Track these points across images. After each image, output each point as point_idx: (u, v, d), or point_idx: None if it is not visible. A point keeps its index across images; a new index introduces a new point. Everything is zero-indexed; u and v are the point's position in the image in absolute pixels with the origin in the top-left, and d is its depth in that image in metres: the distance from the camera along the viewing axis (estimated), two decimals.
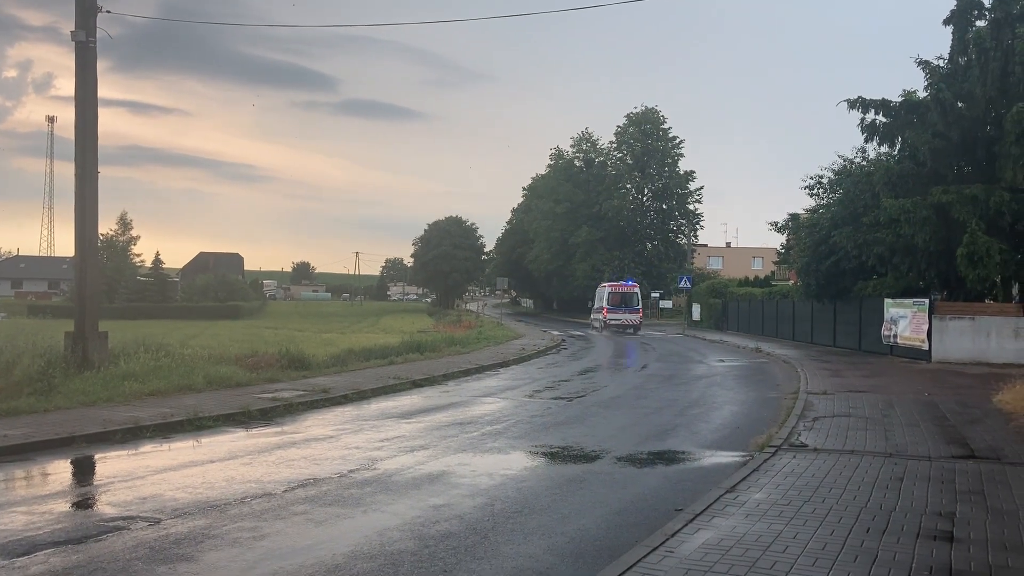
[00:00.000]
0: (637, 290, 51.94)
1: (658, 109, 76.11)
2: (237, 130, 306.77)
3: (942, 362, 24.97)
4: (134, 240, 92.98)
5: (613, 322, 49.13)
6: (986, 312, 25.87)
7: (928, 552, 6.54)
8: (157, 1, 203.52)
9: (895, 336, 27.86)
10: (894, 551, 6.56)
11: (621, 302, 50.16)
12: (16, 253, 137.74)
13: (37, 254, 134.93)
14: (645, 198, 77.58)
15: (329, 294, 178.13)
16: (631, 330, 47.56)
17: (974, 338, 25.28)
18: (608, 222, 74.12)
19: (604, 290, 52.20)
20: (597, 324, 51.72)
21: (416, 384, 19.59)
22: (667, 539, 6.83)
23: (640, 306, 51.09)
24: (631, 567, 6.12)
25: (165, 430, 12.57)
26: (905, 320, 27.19)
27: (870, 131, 29.47)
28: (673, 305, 69.25)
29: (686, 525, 7.25)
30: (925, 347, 25.81)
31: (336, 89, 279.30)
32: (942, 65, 29.07)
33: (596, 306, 53.69)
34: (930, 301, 26.24)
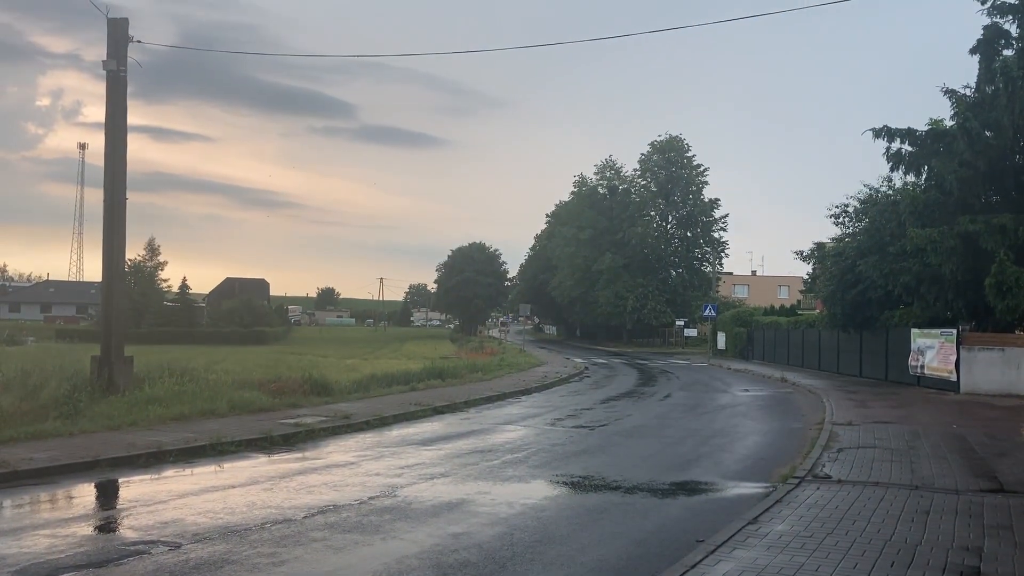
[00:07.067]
0: (509, 320, 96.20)
1: (682, 137, 75.76)
2: (258, 156, 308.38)
3: (971, 393, 24.60)
4: (161, 265, 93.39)
5: (503, 330, 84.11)
6: (1016, 343, 25.46)
7: None
8: (176, 29, 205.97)
9: (922, 367, 27.51)
10: None
11: (505, 324, 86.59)
12: (46, 278, 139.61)
13: (66, 279, 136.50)
14: (669, 225, 77.29)
15: (353, 319, 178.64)
16: (507, 333, 76.97)
17: (1003, 369, 24.89)
18: (632, 249, 73.95)
19: (499, 319, 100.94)
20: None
21: (437, 411, 19.59)
22: (687, 570, 6.76)
23: (509, 328, 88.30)
24: None
25: (188, 455, 12.66)
26: (932, 351, 26.85)
27: (896, 160, 29.29)
28: (698, 334, 68.76)
29: (707, 556, 7.17)
30: (953, 378, 25.44)
31: (354, 115, 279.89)
32: (969, 94, 28.87)
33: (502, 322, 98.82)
34: (958, 331, 25.90)
